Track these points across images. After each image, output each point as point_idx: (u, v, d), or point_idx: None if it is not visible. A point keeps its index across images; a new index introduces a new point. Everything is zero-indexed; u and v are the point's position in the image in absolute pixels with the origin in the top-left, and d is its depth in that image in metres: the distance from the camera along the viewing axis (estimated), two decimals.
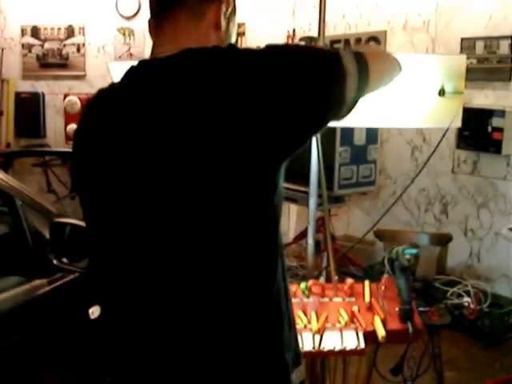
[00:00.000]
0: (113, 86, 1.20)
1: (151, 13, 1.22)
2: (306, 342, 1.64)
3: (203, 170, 1.01)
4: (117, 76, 1.80)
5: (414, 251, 1.74)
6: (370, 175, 4.42)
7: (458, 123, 1.59)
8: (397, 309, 1.73)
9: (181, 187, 1.03)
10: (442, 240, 3.31)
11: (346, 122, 1.77)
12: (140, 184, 1.07)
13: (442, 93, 1.54)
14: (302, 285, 1.81)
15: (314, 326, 1.65)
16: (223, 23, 1.18)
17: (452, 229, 4.32)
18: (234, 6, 1.22)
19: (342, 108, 1.14)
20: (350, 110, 1.17)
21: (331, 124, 1.15)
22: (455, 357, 3.44)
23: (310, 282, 1.81)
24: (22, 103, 6.00)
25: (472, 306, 3.55)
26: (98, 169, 1.14)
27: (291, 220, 5.67)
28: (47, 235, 1.90)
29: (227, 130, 1.01)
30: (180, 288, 1.07)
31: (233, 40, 1.25)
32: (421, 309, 2.93)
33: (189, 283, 1.06)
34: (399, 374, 1.87)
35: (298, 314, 1.72)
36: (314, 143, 1.91)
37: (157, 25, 1.20)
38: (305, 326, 1.66)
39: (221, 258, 1.05)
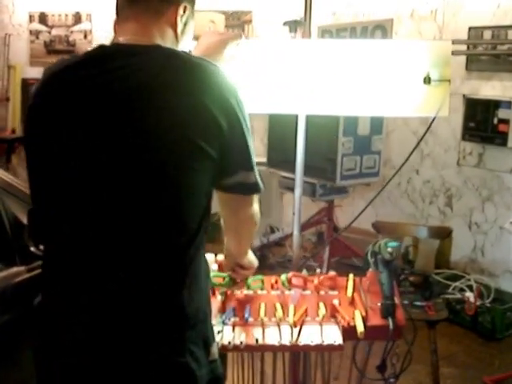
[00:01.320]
0: (76, 58, 1.28)
1: (116, 11, 1.34)
2: (284, 336, 1.60)
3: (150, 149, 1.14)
4: None
5: (395, 244, 1.69)
6: (374, 166, 4.35)
7: (446, 112, 1.53)
8: (379, 304, 1.68)
9: (131, 171, 1.15)
10: (442, 233, 3.24)
11: (329, 109, 1.73)
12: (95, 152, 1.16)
13: (427, 80, 1.48)
14: (283, 276, 1.76)
15: (291, 318, 1.60)
16: (180, 25, 1.31)
17: (456, 222, 4.24)
18: (192, 12, 1.36)
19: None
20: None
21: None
22: (454, 352, 3.38)
23: (290, 274, 1.77)
24: (28, 89, 5.98)
25: (472, 300, 3.50)
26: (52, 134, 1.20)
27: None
28: (25, 221, 1.87)
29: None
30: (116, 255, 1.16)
31: (189, 41, 1.38)
32: (417, 303, 2.89)
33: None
34: (385, 371, 1.82)
35: (276, 306, 1.68)
36: (301, 132, 1.84)
37: (120, 21, 1.32)
38: (280, 319, 1.62)
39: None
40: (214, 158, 1.18)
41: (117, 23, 1.33)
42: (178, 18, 1.30)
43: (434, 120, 1.57)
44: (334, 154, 4.23)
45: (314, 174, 4.39)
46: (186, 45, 1.38)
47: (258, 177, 1.33)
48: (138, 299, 1.15)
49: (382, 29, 4.45)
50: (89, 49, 1.27)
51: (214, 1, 5.50)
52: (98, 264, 1.17)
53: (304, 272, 1.83)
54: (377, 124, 4.25)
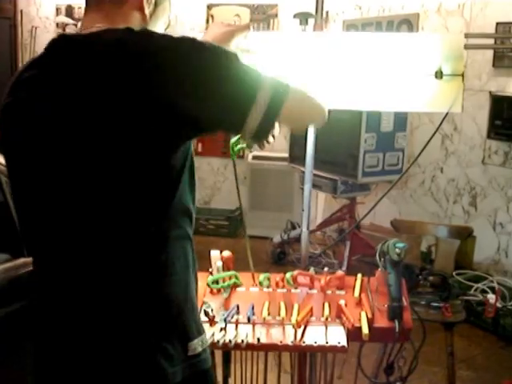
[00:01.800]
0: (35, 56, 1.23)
1: (85, 2, 1.26)
2: (287, 335, 1.57)
3: (99, 144, 1.07)
4: None
5: (403, 245, 1.64)
6: (397, 163, 4.29)
7: (459, 108, 1.48)
8: (386, 306, 1.63)
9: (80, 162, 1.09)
10: (463, 233, 3.16)
11: (341, 104, 1.68)
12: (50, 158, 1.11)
13: (439, 75, 1.42)
14: (288, 274, 1.73)
15: (294, 318, 1.57)
16: (148, 7, 1.23)
17: (480, 222, 4.15)
18: None
19: (239, 120, 1.10)
20: (255, 134, 1.12)
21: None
22: (473, 355, 3.31)
23: (296, 272, 1.73)
24: None
25: (492, 302, 3.42)
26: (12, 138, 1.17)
27: (319, 207, 5.57)
28: None
29: (115, 112, 1.06)
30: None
31: (162, 23, 1.30)
32: (434, 304, 2.83)
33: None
34: (392, 374, 1.78)
35: (280, 305, 1.64)
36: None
37: (85, 11, 1.24)
38: (283, 319, 1.59)
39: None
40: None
41: (84, 13, 1.26)
42: (144, 1, 1.22)
43: (446, 116, 1.52)
44: (356, 151, 4.18)
45: (336, 170, 4.35)
46: (160, 27, 1.30)
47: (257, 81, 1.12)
48: (105, 297, 1.13)
49: (407, 23, 4.37)
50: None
51: None
52: (69, 267, 1.15)
53: (311, 270, 1.79)
54: (401, 120, 4.19)
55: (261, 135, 1.13)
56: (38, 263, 1.23)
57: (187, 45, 1.10)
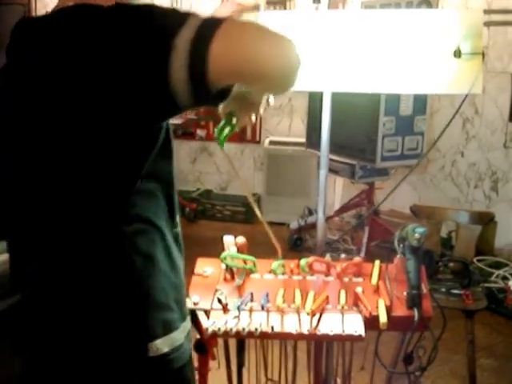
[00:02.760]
0: None
1: None
2: (301, 324, 1.52)
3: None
4: None
5: (422, 230, 1.58)
6: (417, 148, 4.20)
7: (479, 89, 1.41)
8: (405, 293, 1.58)
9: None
10: (484, 219, 3.08)
11: (355, 87, 1.62)
12: None
13: (458, 54, 1.35)
14: (302, 261, 1.67)
15: (309, 306, 1.52)
16: None
17: (502, 207, 4.07)
18: None
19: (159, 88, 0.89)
20: (190, 94, 0.89)
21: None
22: (494, 343, 3.24)
23: (311, 259, 1.67)
24: None
25: None
26: None
27: (336, 192, 5.51)
28: None
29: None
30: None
31: None
32: (455, 291, 2.76)
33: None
34: (411, 364, 1.72)
35: (295, 292, 1.59)
36: (326, 111, 1.73)
37: None
38: (298, 307, 1.54)
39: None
40: None
41: None
42: None
43: (466, 98, 1.44)
44: (374, 135, 4.09)
45: (354, 155, 4.27)
46: None
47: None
48: (60, 292, 1.09)
49: (427, 3, 4.26)
50: None
51: None
52: None
53: (328, 257, 1.74)
54: (420, 104, 4.09)
55: (199, 94, 0.90)
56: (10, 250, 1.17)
57: None
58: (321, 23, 1.50)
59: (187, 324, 1.24)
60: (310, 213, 4.91)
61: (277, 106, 5.60)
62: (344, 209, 4.89)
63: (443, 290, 2.71)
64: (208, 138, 5.86)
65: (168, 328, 1.15)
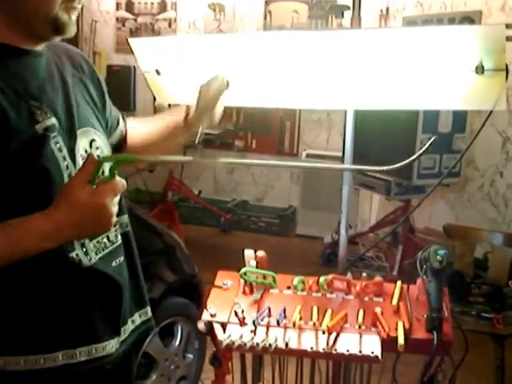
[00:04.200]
0: None
1: None
2: (317, 341, 1.50)
3: None
4: (138, 52, 1.71)
5: (444, 252, 1.54)
6: (455, 166, 4.13)
7: (503, 106, 1.37)
8: (425, 316, 1.54)
9: None
10: None
11: (365, 104, 1.61)
12: None
13: (480, 70, 1.32)
14: (321, 279, 1.65)
15: (325, 324, 1.50)
16: None
17: None
18: None
19: None
20: None
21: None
22: None
23: (330, 277, 1.65)
24: (113, 76, 6.11)
25: None
26: None
27: (373, 208, 5.46)
28: None
29: None
30: None
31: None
32: (485, 315, 2.69)
33: None
34: None
35: (313, 309, 1.58)
36: (349, 128, 1.72)
37: None
38: (314, 324, 1.52)
39: None
40: None
41: None
42: None
43: (490, 114, 1.41)
44: (411, 151, 4.03)
45: (389, 171, 4.22)
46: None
47: None
48: None
49: (469, 20, 4.21)
50: None
51: None
52: None
53: (349, 275, 1.72)
54: (459, 121, 4.03)
55: None
56: None
57: None
58: (345, 41, 1.49)
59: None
60: None
61: (315, 120, 5.59)
62: (379, 225, 4.84)
63: (474, 313, 2.65)
64: (246, 149, 5.88)
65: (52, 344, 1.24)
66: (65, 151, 1.21)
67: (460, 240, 2.96)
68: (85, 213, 1.11)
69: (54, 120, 1.20)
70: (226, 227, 5.51)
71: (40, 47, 1.25)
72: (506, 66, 1.34)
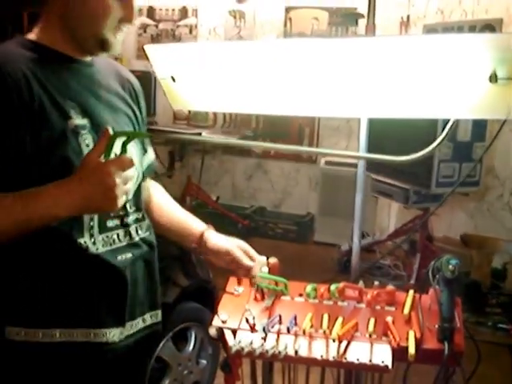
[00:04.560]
0: None
1: None
2: (327, 349, 1.50)
3: None
4: (154, 58, 1.73)
5: (456, 262, 1.53)
6: (475, 175, 4.10)
7: None
8: (436, 326, 1.53)
9: None
10: None
11: (378, 112, 1.60)
12: None
13: (494, 79, 1.31)
14: (333, 287, 1.65)
15: (335, 332, 1.49)
16: (68, 9, 1.32)
17: None
18: None
19: None
20: None
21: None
22: None
23: (342, 285, 1.65)
24: None
25: None
26: None
27: (391, 216, 5.43)
28: None
29: None
30: None
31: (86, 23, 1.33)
32: (502, 326, 2.67)
33: None
34: None
35: (323, 317, 1.57)
36: (362, 136, 1.71)
37: None
38: (324, 332, 1.51)
39: None
40: None
41: None
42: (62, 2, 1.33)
43: (504, 123, 1.40)
44: (429, 160, 4.01)
45: (408, 179, 4.20)
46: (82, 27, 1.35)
47: None
48: None
49: (490, 28, 4.17)
50: None
51: None
52: None
53: (361, 283, 1.71)
54: (479, 130, 3.99)
55: None
56: None
57: None
58: (358, 49, 1.49)
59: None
60: (362, 235, 4.84)
61: (334, 127, 5.59)
62: (397, 233, 4.81)
63: (490, 323, 2.63)
64: (264, 155, 5.89)
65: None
66: (92, 147, 1.31)
67: (477, 249, 2.94)
68: (91, 181, 1.19)
69: (86, 121, 1.34)
70: (243, 233, 5.52)
71: (89, 58, 1.43)
72: None
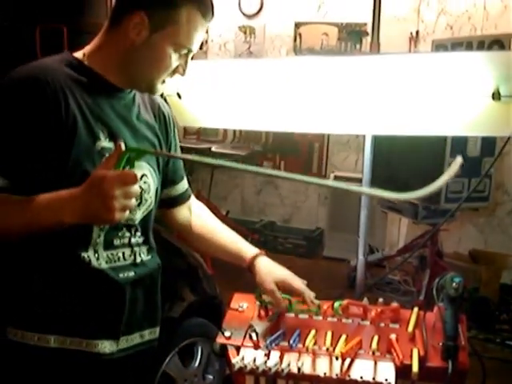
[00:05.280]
0: None
1: None
2: (330, 367, 1.49)
3: None
4: None
5: (459, 279, 1.52)
6: (484, 190, 4.08)
7: None
8: (440, 344, 1.52)
9: None
10: None
11: (383, 129, 1.61)
12: None
13: (497, 96, 1.31)
14: (336, 304, 1.65)
15: (338, 349, 1.49)
16: (134, 31, 1.36)
17: None
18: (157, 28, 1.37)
19: None
20: None
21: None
22: None
23: (345, 302, 1.65)
24: None
25: None
26: None
27: (401, 232, 5.40)
28: None
29: None
30: None
31: (156, 68, 1.41)
32: (510, 342, 2.64)
33: None
34: None
35: (327, 334, 1.57)
36: (367, 153, 1.72)
37: None
38: (328, 350, 1.51)
39: None
40: None
41: None
42: (132, 29, 1.37)
43: (508, 140, 1.40)
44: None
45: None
46: (150, 70, 1.41)
47: None
48: None
49: (499, 44, 4.18)
50: None
51: (327, 13, 5.44)
52: None
53: (365, 300, 1.71)
54: (489, 145, 3.98)
55: None
56: None
57: None
58: (363, 67, 1.51)
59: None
60: (372, 251, 4.83)
61: (344, 142, 5.59)
62: (406, 249, 4.78)
63: (498, 340, 2.61)
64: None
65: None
66: None
67: (486, 265, 2.92)
68: (93, 191, 1.21)
69: (111, 144, 1.39)
70: None
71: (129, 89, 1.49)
72: None
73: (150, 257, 1.58)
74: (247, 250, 1.74)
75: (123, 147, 1.26)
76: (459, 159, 1.15)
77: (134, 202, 1.27)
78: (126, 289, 1.47)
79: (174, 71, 1.44)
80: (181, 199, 1.77)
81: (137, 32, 1.36)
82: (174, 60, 1.41)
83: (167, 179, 1.68)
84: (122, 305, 1.47)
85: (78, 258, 1.38)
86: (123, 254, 1.48)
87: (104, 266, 1.42)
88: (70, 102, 1.32)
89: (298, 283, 1.65)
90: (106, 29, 1.43)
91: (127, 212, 1.25)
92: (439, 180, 1.22)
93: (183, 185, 1.77)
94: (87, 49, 1.44)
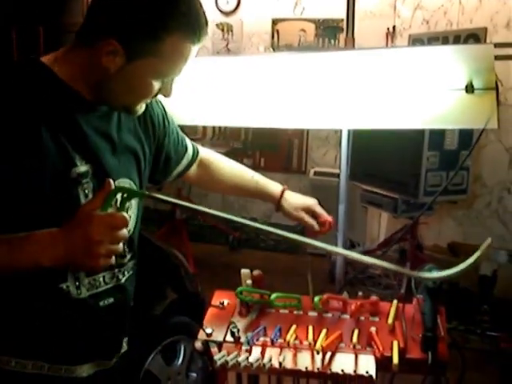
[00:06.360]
0: None
1: None
2: (312, 361, 1.50)
3: None
4: None
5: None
6: (462, 183, 4.12)
7: (494, 124, 1.38)
8: (420, 335, 1.54)
9: None
10: None
11: (358, 124, 1.62)
12: None
13: (470, 89, 1.33)
14: (316, 298, 1.66)
15: (319, 343, 1.50)
16: (109, 58, 1.19)
17: None
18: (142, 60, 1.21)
19: None
20: None
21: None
22: None
23: (325, 296, 1.66)
24: None
25: None
26: None
27: (381, 226, 5.44)
28: None
29: None
30: None
31: (134, 94, 1.29)
32: (490, 333, 2.68)
33: None
34: None
35: (308, 329, 1.58)
36: (344, 147, 1.73)
37: None
38: (309, 344, 1.52)
39: None
40: None
41: None
42: (106, 46, 1.19)
43: (482, 132, 1.42)
44: (417, 169, 4.04)
45: (396, 189, 4.22)
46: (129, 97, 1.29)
47: None
48: None
49: (475, 38, 4.22)
50: None
51: (304, 9, 5.45)
52: None
53: (345, 294, 1.72)
54: (466, 138, 4.02)
55: None
56: None
57: None
58: (338, 63, 1.52)
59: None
60: (352, 245, 4.86)
61: (323, 137, 5.61)
62: (386, 243, 4.82)
63: (479, 331, 2.64)
64: (254, 168, 5.89)
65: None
66: (91, 196, 1.27)
67: (465, 257, 2.95)
68: (76, 233, 1.12)
69: (88, 167, 1.28)
70: (234, 245, 5.52)
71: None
72: (497, 84, 1.35)
73: (131, 272, 1.52)
74: (272, 186, 1.88)
75: (112, 185, 1.16)
76: (489, 240, 1.17)
77: (121, 246, 1.18)
78: (105, 317, 1.42)
79: (156, 95, 1.32)
80: (192, 162, 1.73)
81: (110, 60, 1.20)
82: (156, 86, 1.28)
83: (170, 162, 1.65)
84: (103, 331, 1.44)
85: (56, 289, 1.30)
86: (104, 277, 1.41)
87: (84, 294, 1.35)
88: (42, 133, 1.19)
89: (320, 209, 1.84)
90: (77, 41, 1.27)
91: (113, 258, 1.17)
92: (470, 258, 1.23)
93: (189, 150, 1.70)
94: (59, 55, 1.29)
